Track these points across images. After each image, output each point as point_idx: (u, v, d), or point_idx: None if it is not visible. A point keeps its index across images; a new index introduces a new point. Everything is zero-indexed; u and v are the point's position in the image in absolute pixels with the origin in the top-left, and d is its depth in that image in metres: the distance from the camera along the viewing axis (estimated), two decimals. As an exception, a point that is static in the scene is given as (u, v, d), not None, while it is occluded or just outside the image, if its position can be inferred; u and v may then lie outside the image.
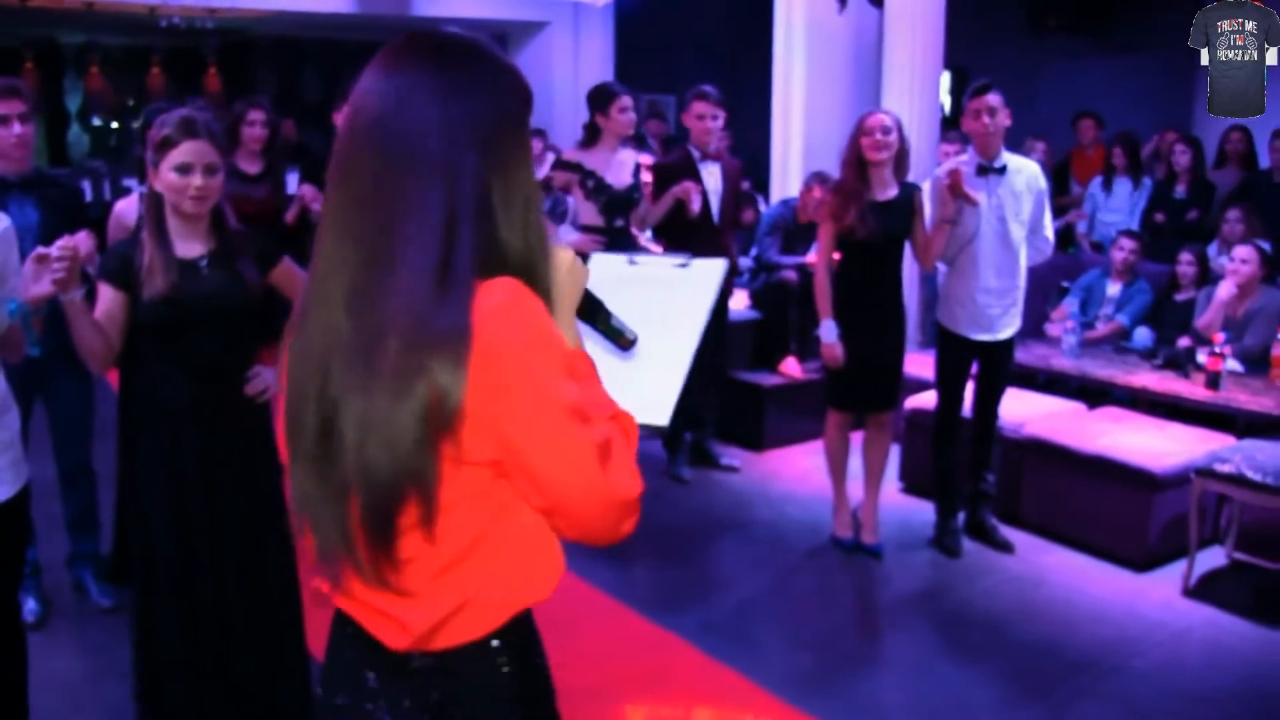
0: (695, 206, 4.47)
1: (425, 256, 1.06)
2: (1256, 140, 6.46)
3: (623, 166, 4.57)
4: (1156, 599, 3.79)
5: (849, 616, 3.76)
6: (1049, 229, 4.10)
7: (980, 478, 4.22)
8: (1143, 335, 5.06)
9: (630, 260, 1.43)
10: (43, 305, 2.32)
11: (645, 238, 4.92)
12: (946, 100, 9.22)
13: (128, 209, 3.39)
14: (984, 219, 3.93)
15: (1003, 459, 4.33)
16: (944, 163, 4.47)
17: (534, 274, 1.12)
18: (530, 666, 1.21)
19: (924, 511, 4.37)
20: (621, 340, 1.28)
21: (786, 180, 6.33)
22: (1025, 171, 4.01)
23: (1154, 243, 5.74)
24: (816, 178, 5.42)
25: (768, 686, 3.13)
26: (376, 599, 1.15)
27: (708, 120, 4.60)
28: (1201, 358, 4.32)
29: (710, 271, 1.39)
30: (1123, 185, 6.53)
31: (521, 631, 1.20)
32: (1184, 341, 4.73)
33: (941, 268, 4.17)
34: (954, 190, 3.81)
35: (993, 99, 3.88)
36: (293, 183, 5.06)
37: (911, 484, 4.79)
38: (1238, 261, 4.65)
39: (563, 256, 1.19)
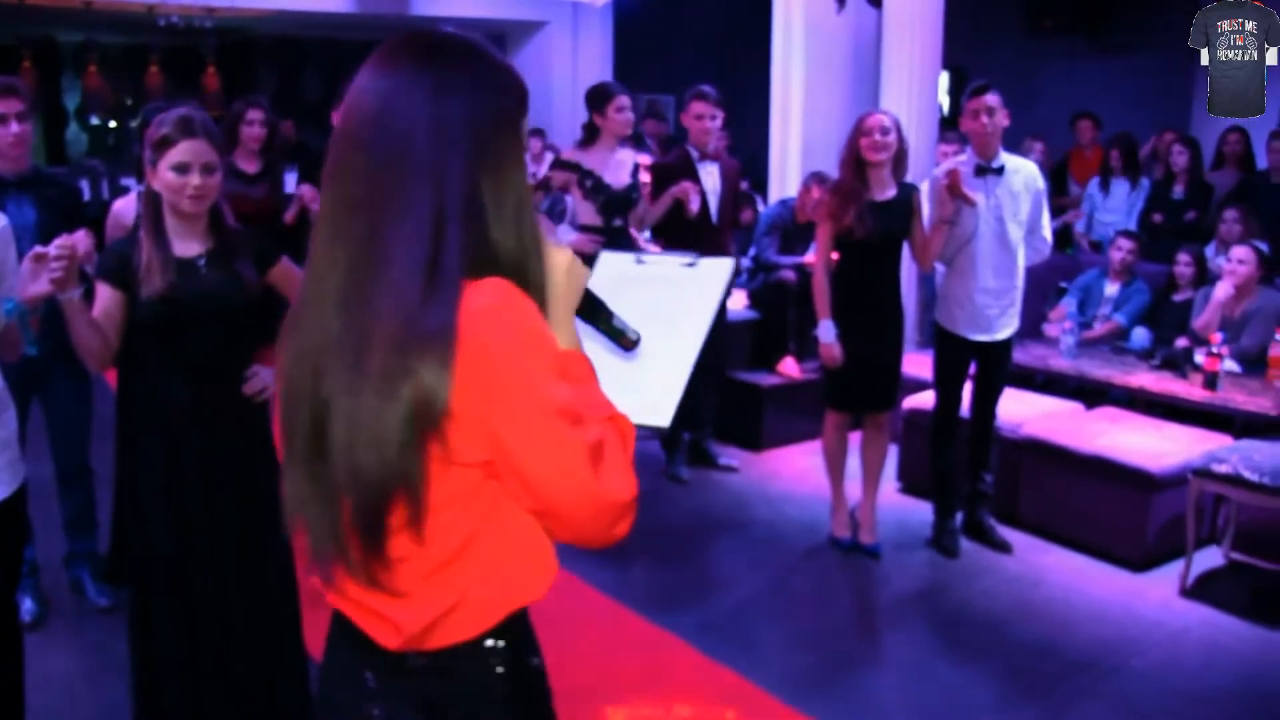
0: (694, 206, 4.47)
1: (413, 256, 1.06)
2: (1254, 141, 6.46)
3: (621, 166, 4.57)
4: (1154, 599, 3.79)
5: (847, 616, 3.76)
6: (1047, 229, 4.11)
7: (978, 478, 4.22)
8: (1140, 336, 5.06)
9: (637, 259, 1.42)
10: (40, 304, 2.32)
11: (644, 238, 4.92)
12: (945, 100, 9.22)
13: (126, 208, 3.39)
14: (982, 219, 3.94)
15: (1001, 459, 4.33)
16: (942, 163, 4.47)
17: (526, 274, 1.11)
18: (526, 666, 1.21)
19: (922, 511, 4.37)
20: (624, 340, 1.27)
21: (785, 180, 6.33)
22: (1023, 172, 4.01)
23: (1152, 243, 5.75)
24: (815, 178, 5.42)
25: (766, 686, 3.13)
26: (369, 599, 1.15)
27: (706, 120, 4.60)
28: (1199, 358, 4.32)
29: (718, 271, 1.38)
30: (1120, 186, 6.53)
31: (517, 631, 1.20)
32: (1181, 342, 4.73)
33: (940, 268, 4.18)
34: (952, 191, 3.81)
35: (991, 99, 3.88)
36: (291, 182, 5.06)
37: (909, 484, 4.79)
38: (1235, 262, 4.65)
39: (561, 256, 1.18)
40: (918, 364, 4.77)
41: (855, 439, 4.21)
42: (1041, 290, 5.62)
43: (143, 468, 2.49)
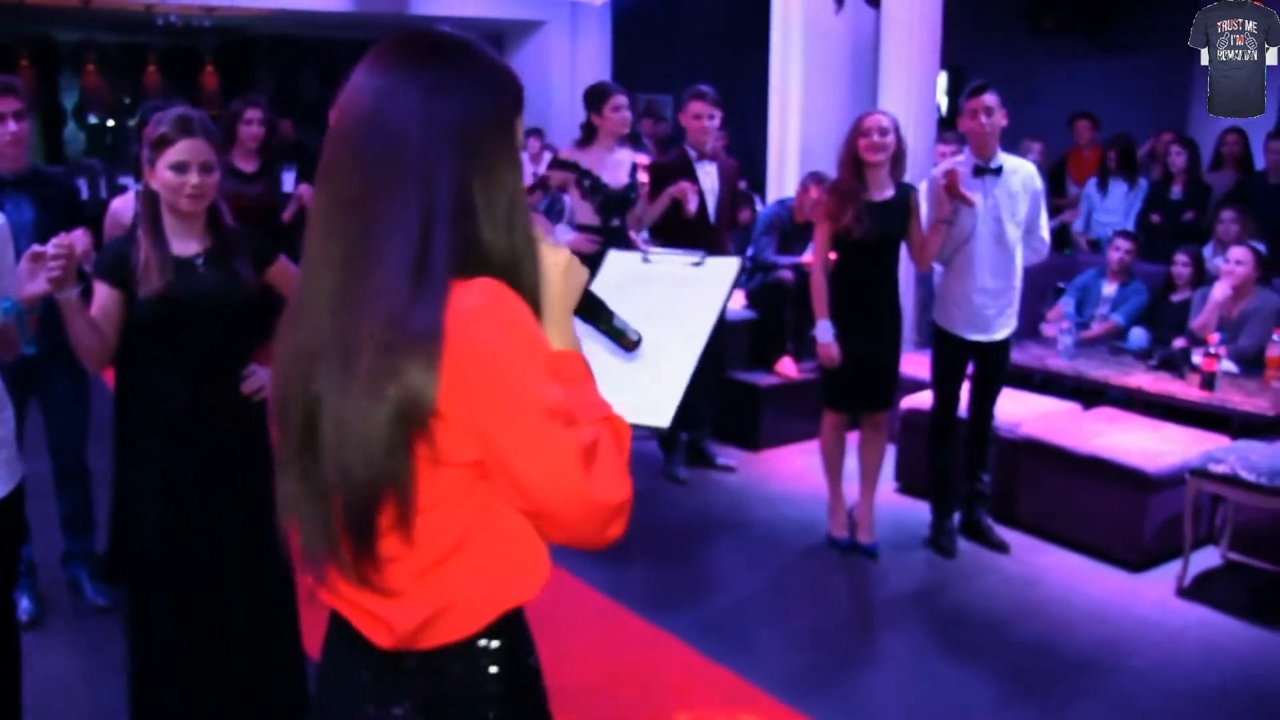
0: (692, 206, 4.47)
1: (401, 257, 1.05)
2: (1253, 142, 6.47)
3: (619, 166, 4.57)
4: (1152, 599, 3.80)
5: (844, 616, 3.77)
6: (1045, 230, 4.11)
7: (976, 478, 4.22)
8: (1138, 336, 5.07)
9: (645, 258, 1.42)
10: (38, 303, 2.31)
11: (641, 238, 4.92)
12: (943, 101, 9.23)
13: (124, 207, 3.38)
14: (980, 219, 3.94)
15: (998, 459, 4.33)
16: (940, 163, 4.47)
17: (519, 275, 1.11)
18: (520, 667, 1.21)
19: (919, 511, 4.37)
20: (625, 341, 1.27)
21: (783, 180, 6.33)
22: (1021, 172, 4.01)
23: (1150, 243, 5.76)
24: (813, 178, 5.42)
25: (763, 686, 3.14)
26: (362, 598, 1.15)
27: (704, 120, 4.60)
28: (1197, 358, 4.33)
29: (724, 270, 1.38)
30: (1118, 187, 6.54)
31: (511, 631, 1.19)
32: (1179, 342, 4.74)
33: (938, 268, 4.18)
34: (950, 191, 3.82)
35: (989, 99, 3.88)
36: (289, 181, 5.06)
37: (907, 484, 4.80)
38: (1233, 263, 4.66)
39: (558, 256, 1.18)
40: (915, 364, 4.77)
41: (853, 439, 4.21)
42: (1039, 290, 5.63)
43: (140, 467, 2.49)
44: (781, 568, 4.09)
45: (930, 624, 3.65)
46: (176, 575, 2.44)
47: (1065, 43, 9.15)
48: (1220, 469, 3.68)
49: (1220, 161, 6.55)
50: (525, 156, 8.92)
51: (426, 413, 1.04)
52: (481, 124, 1.11)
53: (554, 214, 5.95)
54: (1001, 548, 4.17)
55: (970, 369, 4.14)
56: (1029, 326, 5.17)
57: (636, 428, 1.28)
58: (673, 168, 4.63)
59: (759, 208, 6.67)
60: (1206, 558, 4.07)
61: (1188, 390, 4.26)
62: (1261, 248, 4.86)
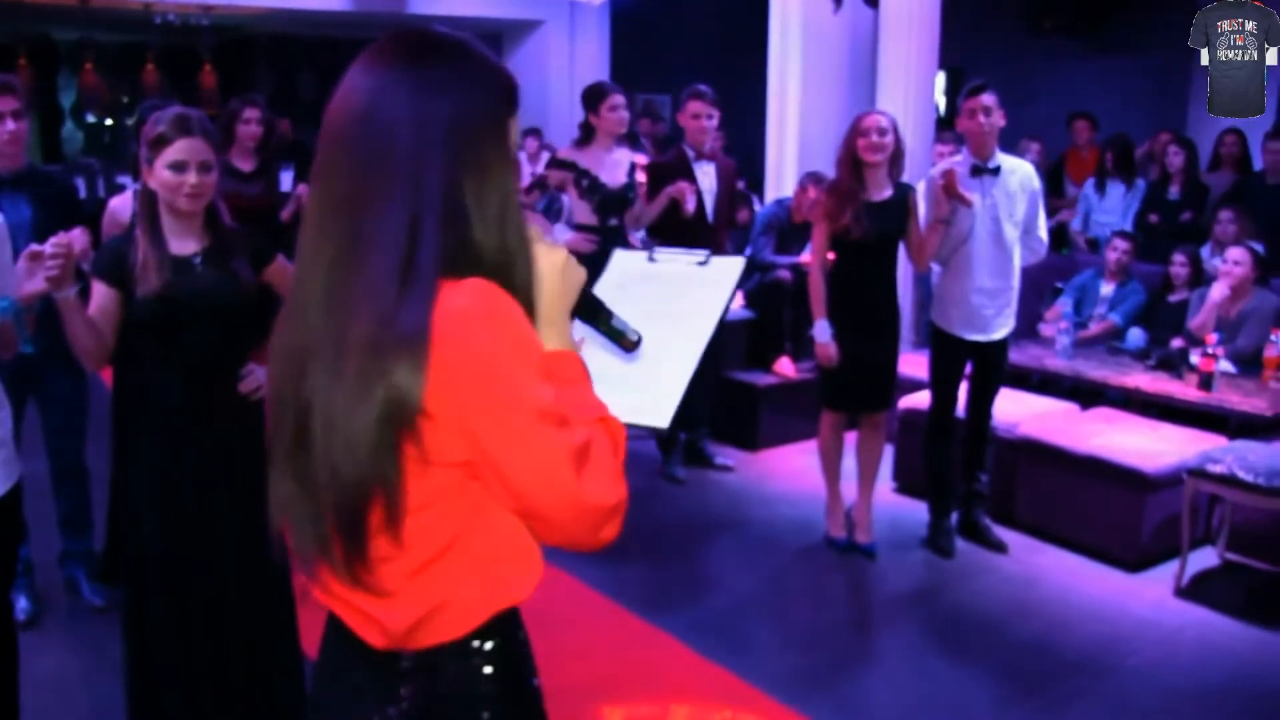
0: (690, 206, 4.47)
1: (389, 256, 1.05)
2: (1251, 143, 6.48)
3: (617, 165, 4.57)
4: (1149, 599, 3.80)
5: (842, 616, 3.77)
6: (1043, 230, 4.11)
7: (974, 478, 4.22)
8: (1136, 336, 5.07)
9: (650, 257, 1.43)
10: (36, 302, 2.31)
11: (639, 237, 4.93)
12: (941, 101, 9.24)
13: (122, 206, 3.38)
14: (978, 219, 3.94)
15: (996, 459, 4.34)
16: (938, 163, 4.47)
17: (512, 274, 1.11)
18: (515, 667, 1.20)
19: (917, 511, 4.37)
20: (624, 341, 1.26)
21: (781, 180, 6.34)
22: (1019, 172, 4.02)
23: (1148, 244, 5.76)
24: (811, 178, 5.42)
25: (761, 686, 3.14)
26: (355, 598, 1.15)
27: (703, 119, 4.60)
28: (1194, 359, 4.33)
29: (728, 270, 1.38)
30: (1115, 188, 6.54)
31: (505, 631, 1.19)
32: (1177, 342, 4.74)
33: (936, 268, 4.18)
34: (948, 191, 3.82)
35: (988, 99, 3.89)
36: (287, 180, 5.06)
37: (905, 484, 4.80)
38: (1231, 263, 4.66)
39: (555, 256, 1.18)
40: (913, 364, 4.77)
41: (851, 439, 4.21)
42: (1038, 290, 5.63)
43: (138, 466, 2.49)
44: (779, 567, 4.09)
45: (928, 624, 3.65)
46: (174, 575, 2.44)
47: (1063, 43, 9.16)
48: (1218, 469, 3.69)
49: (1218, 162, 6.56)
50: (523, 156, 8.96)
51: (413, 413, 1.04)
52: (474, 123, 1.10)
53: (552, 213, 5.96)
54: (999, 548, 4.17)
55: (968, 369, 4.14)
56: (1027, 326, 5.18)
57: (635, 428, 1.28)
58: (671, 167, 4.63)
59: (757, 207, 6.67)
60: (1204, 558, 4.07)
61: (1185, 390, 4.27)
62: (1259, 248, 4.87)
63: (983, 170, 3.94)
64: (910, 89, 5.71)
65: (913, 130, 5.46)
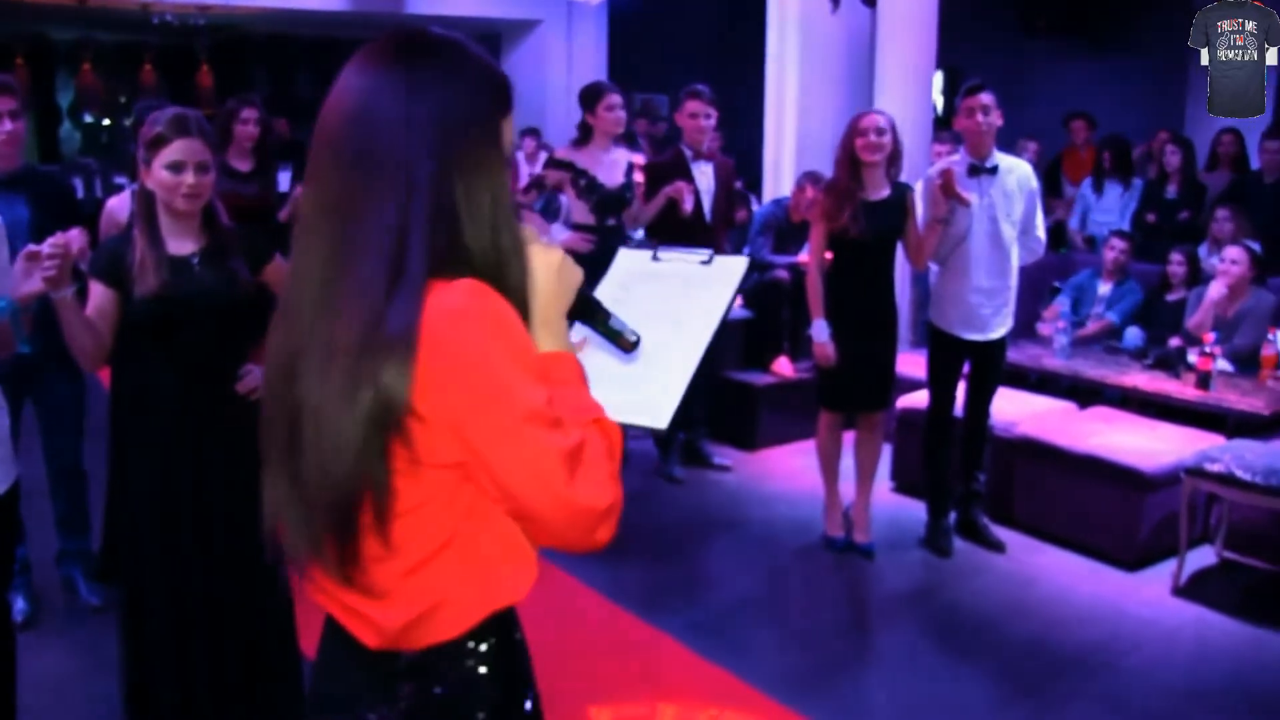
0: (687, 206, 4.47)
1: (378, 257, 1.05)
2: (1248, 143, 6.49)
3: (615, 165, 4.57)
4: (1147, 598, 3.80)
5: (840, 616, 3.77)
6: (1041, 229, 4.12)
7: (972, 477, 4.23)
8: (1134, 335, 5.08)
9: (655, 256, 1.43)
10: (33, 302, 2.31)
11: (637, 237, 4.92)
12: (939, 100, 9.24)
13: (120, 206, 3.38)
14: (976, 219, 3.94)
15: (994, 459, 4.34)
16: (936, 163, 4.48)
17: (504, 275, 1.10)
18: (511, 667, 1.20)
19: (915, 511, 4.38)
20: (622, 342, 1.26)
21: (779, 180, 6.34)
22: (1017, 171, 4.02)
23: (1145, 243, 5.77)
24: (809, 177, 5.42)
25: (759, 686, 3.14)
26: (349, 598, 1.15)
27: (701, 119, 4.60)
28: (1192, 358, 4.33)
29: (732, 269, 1.38)
30: (1113, 188, 6.55)
31: (501, 632, 1.18)
32: (1175, 342, 4.75)
33: (933, 267, 4.18)
34: (946, 190, 3.82)
35: (985, 98, 3.89)
36: (285, 180, 5.06)
37: (903, 483, 4.80)
38: (1228, 262, 4.67)
39: (551, 257, 1.18)
40: (911, 363, 4.78)
41: (849, 438, 4.21)
42: (1035, 290, 5.64)
43: (136, 466, 2.48)
44: (777, 567, 4.09)
45: (926, 623, 3.65)
46: (172, 574, 2.44)
47: (1061, 43, 9.17)
48: (1215, 468, 3.69)
49: (1216, 162, 6.57)
50: (521, 156, 8.95)
51: (402, 414, 1.04)
52: (465, 124, 1.10)
53: (550, 213, 5.96)
54: (997, 547, 4.18)
55: (966, 368, 4.14)
56: (1025, 326, 5.18)
57: (634, 428, 1.28)
58: (669, 167, 4.63)
59: (755, 207, 6.67)
60: (1202, 556, 4.08)
61: (1183, 389, 4.27)
62: (1256, 247, 4.87)
63: (980, 170, 3.94)
64: (908, 88, 5.71)
65: (910, 130, 5.46)
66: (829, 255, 3.99)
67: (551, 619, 3.45)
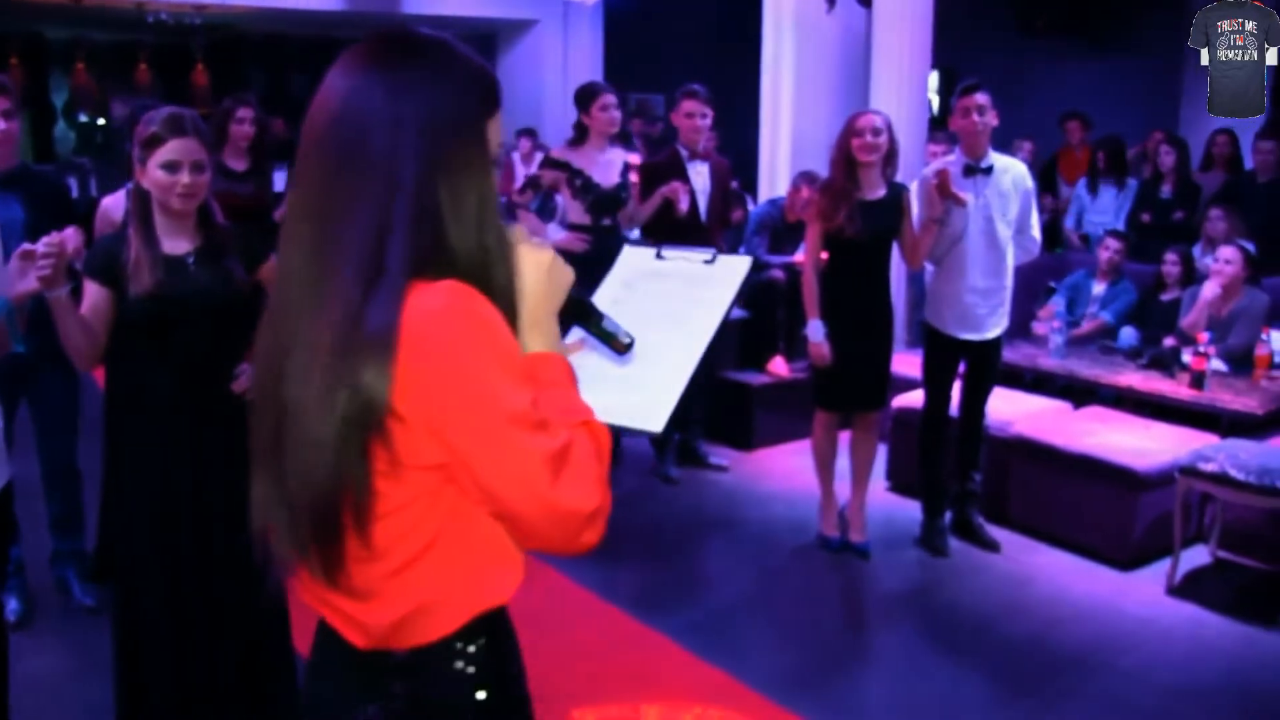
0: (683, 206, 4.47)
1: (358, 257, 1.05)
2: (1242, 144, 6.50)
3: (610, 165, 4.58)
4: (1141, 597, 3.81)
5: (836, 615, 3.77)
6: (1036, 229, 4.12)
7: (967, 477, 4.23)
8: (1128, 335, 5.09)
9: (658, 254, 1.42)
10: (27, 302, 2.31)
11: (633, 238, 4.93)
12: (934, 100, 9.26)
13: (115, 205, 3.38)
14: (971, 219, 3.95)
15: (989, 458, 4.35)
16: (931, 163, 4.48)
17: (489, 276, 1.10)
18: (500, 668, 1.19)
19: (911, 510, 4.38)
20: (616, 344, 1.25)
21: (774, 179, 6.34)
22: (1012, 171, 4.03)
23: (1140, 243, 5.78)
24: (804, 177, 5.43)
25: (754, 686, 3.14)
26: (335, 599, 1.15)
27: (697, 119, 4.60)
28: (1186, 357, 4.35)
29: (735, 269, 1.38)
30: (1108, 188, 6.56)
31: (490, 632, 1.18)
32: (1169, 341, 4.76)
33: (929, 267, 4.19)
34: (941, 190, 3.82)
35: (981, 98, 3.90)
36: (280, 180, 5.05)
37: (898, 483, 4.81)
38: (1222, 262, 4.68)
39: (541, 257, 1.17)
40: (907, 363, 4.78)
41: (845, 438, 4.22)
42: (1031, 290, 5.65)
43: (131, 466, 2.48)
44: (773, 567, 4.09)
45: (922, 623, 3.66)
46: (167, 575, 2.44)
47: (1056, 42, 9.19)
48: (1209, 468, 3.70)
49: (1210, 162, 6.58)
50: (517, 156, 8.94)
51: (381, 415, 1.04)
52: (449, 124, 1.09)
53: (546, 213, 5.95)
54: (993, 547, 4.18)
55: (962, 368, 4.15)
56: (1020, 325, 5.19)
57: (629, 430, 1.28)
58: (664, 167, 4.63)
59: (750, 207, 6.68)
60: (1196, 556, 4.09)
61: (1177, 389, 4.28)
62: (1250, 247, 4.89)
63: (976, 170, 3.95)
64: (903, 88, 5.72)
65: (906, 130, 5.46)
66: (825, 255, 3.99)
67: (547, 619, 3.45)
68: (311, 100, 1.13)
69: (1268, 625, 3.60)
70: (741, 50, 8.08)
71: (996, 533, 4.26)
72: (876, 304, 4.02)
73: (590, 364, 1.28)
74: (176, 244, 2.41)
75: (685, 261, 1.40)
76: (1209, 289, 4.63)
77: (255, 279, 2.52)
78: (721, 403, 5.33)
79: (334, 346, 1.04)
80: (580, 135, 4.57)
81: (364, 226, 1.06)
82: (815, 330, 3.95)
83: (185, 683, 2.46)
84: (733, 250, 5.97)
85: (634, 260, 1.43)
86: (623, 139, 6.32)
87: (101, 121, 12.40)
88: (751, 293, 5.54)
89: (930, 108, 7.42)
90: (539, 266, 1.17)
